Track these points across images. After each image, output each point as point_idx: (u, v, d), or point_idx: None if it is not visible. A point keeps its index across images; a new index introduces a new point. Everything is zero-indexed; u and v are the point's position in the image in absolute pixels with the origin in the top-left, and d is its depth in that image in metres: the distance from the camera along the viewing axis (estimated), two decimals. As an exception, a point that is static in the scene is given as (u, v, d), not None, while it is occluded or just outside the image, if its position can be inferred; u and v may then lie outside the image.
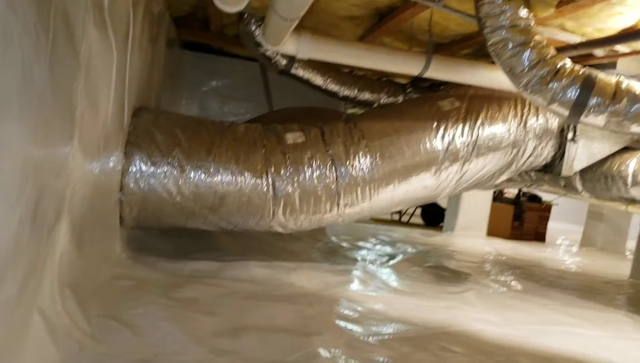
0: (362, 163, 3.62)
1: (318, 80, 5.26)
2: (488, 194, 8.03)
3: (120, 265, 3.18)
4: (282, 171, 3.49)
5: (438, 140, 3.76)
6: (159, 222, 3.44)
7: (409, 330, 2.97)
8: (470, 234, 7.73)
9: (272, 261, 4.08)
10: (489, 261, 6.01)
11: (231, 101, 6.93)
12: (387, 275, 4.54)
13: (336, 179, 3.57)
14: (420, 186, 3.78)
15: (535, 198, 8.89)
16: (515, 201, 8.72)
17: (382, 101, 5.78)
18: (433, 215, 8.72)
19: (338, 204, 3.62)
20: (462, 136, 3.79)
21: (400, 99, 5.86)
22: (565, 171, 3.85)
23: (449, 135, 3.78)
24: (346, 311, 3.14)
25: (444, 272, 5.04)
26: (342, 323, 2.92)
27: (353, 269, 4.51)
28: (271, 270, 3.81)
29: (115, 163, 3.01)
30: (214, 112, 6.79)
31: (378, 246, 5.97)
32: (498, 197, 8.64)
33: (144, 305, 2.65)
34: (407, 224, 8.87)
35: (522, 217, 8.58)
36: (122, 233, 3.43)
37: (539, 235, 8.69)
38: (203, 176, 3.35)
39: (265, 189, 3.45)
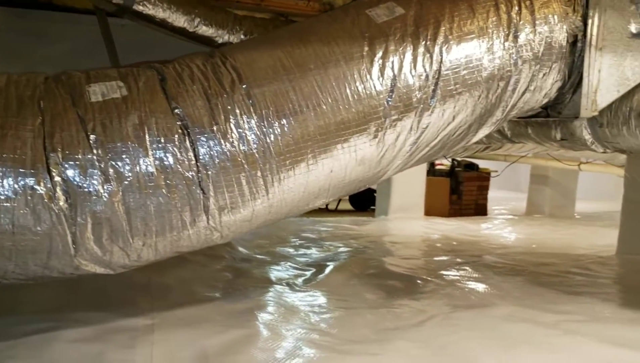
0: (243, 128, 1.92)
1: (180, 19, 3.48)
2: (422, 168, 6.85)
3: None
4: (79, 157, 1.73)
5: (374, 75, 2.11)
6: None
7: None
8: (406, 216, 6.60)
9: (107, 320, 2.30)
10: (441, 253, 4.59)
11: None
12: (314, 304, 2.94)
13: (196, 162, 1.85)
14: (353, 161, 2.11)
15: (471, 167, 7.76)
16: (451, 173, 7.58)
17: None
18: (362, 198, 7.54)
19: (207, 209, 1.90)
20: (416, 65, 2.16)
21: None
22: (586, 109, 2.33)
23: (391, 65, 2.13)
24: None
25: (391, 281, 3.53)
26: None
27: (262, 304, 2.88)
28: (99, 343, 2.05)
29: None
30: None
31: (302, 250, 4.45)
32: (431, 170, 7.57)
33: None
34: (336, 211, 7.61)
35: (459, 190, 7.49)
36: None
37: (479, 208, 7.64)
38: None
39: (45, 195, 1.68)
